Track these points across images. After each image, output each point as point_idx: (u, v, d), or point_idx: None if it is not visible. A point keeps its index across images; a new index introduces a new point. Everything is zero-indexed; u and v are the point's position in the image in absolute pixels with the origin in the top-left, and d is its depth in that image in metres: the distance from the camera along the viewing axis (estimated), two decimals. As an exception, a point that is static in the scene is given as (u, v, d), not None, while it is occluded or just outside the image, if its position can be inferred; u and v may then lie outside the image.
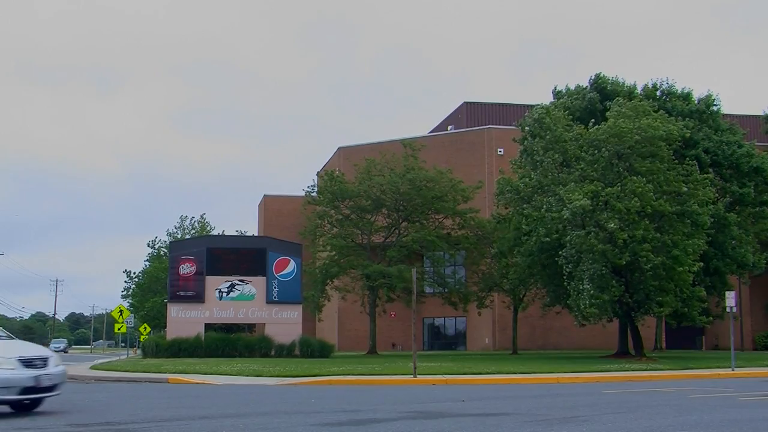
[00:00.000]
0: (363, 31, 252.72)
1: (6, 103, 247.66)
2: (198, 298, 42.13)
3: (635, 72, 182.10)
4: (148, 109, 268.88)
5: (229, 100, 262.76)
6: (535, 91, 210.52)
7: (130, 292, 78.91)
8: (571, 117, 38.36)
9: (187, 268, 42.59)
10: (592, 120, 36.56)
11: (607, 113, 35.23)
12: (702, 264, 34.88)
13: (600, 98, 42.57)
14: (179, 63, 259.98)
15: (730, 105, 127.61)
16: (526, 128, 38.48)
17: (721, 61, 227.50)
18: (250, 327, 50.60)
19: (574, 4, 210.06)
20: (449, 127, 69.14)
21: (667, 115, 36.93)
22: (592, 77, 44.71)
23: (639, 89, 44.58)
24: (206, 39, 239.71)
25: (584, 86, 45.05)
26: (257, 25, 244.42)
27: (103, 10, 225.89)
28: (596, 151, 33.92)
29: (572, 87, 45.40)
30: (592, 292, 31.67)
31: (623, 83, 44.30)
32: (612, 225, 31.31)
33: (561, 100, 44.13)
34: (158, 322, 66.77)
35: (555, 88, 46.27)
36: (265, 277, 42.61)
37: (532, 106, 39.93)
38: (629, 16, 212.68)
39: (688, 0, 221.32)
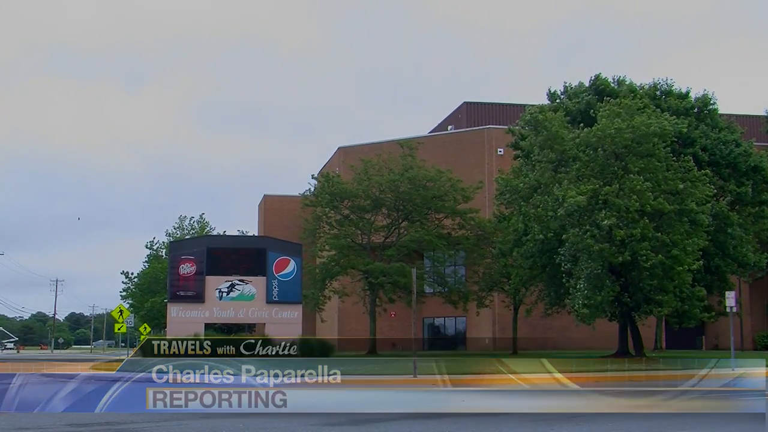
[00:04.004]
0: (363, 31, 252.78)
1: (29, 99, 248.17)
2: (198, 298, 42.12)
3: (637, 73, 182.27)
4: (149, 109, 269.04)
5: (229, 100, 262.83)
6: (535, 91, 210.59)
7: (129, 293, 78.96)
8: (568, 118, 38.41)
9: (187, 268, 42.61)
10: (581, 124, 36.61)
11: (599, 114, 35.24)
12: (702, 263, 34.89)
13: (598, 100, 42.53)
14: (181, 63, 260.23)
15: (731, 105, 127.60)
16: (516, 129, 38.96)
17: (721, 61, 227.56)
18: (250, 327, 50.65)
19: (575, 4, 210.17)
20: (449, 127, 69.13)
21: (661, 112, 36.92)
22: (592, 78, 44.67)
23: (639, 89, 44.57)
24: (206, 39, 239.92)
25: (583, 86, 44.97)
26: (258, 25, 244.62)
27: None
28: (592, 152, 33.96)
29: (567, 88, 45.40)
30: (586, 292, 31.67)
31: (624, 82, 44.19)
32: (607, 222, 31.30)
33: (557, 101, 44.40)
34: (158, 322, 66.75)
35: (549, 90, 46.37)
36: (265, 277, 42.59)
37: (531, 106, 40.10)
38: (631, 15, 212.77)
39: (690, 1, 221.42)
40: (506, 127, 48.11)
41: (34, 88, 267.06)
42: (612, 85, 43.97)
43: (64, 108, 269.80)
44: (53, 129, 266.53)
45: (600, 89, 43.49)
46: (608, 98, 37.95)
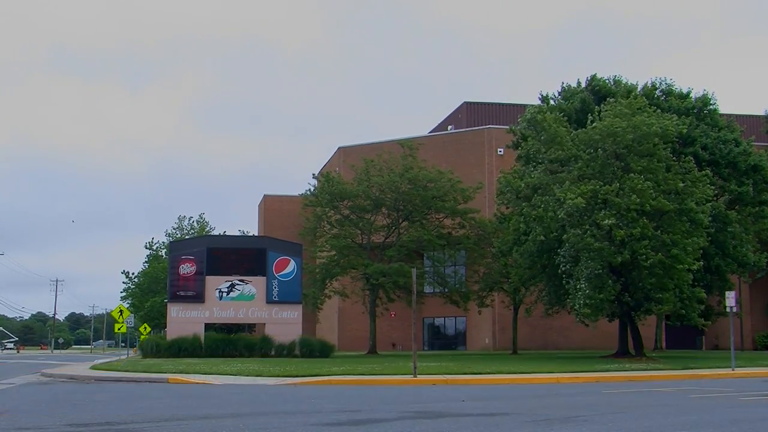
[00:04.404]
0: (363, 31, 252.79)
1: (29, 99, 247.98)
2: (198, 298, 42.15)
3: (637, 73, 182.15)
4: (149, 109, 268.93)
5: (229, 100, 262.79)
6: (535, 91, 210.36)
7: (129, 293, 78.90)
8: (566, 119, 38.45)
9: (187, 268, 42.60)
10: (590, 118, 36.58)
11: (602, 113, 35.26)
12: (702, 262, 34.88)
13: (595, 100, 42.65)
14: (182, 63, 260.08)
15: (731, 105, 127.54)
16: (518, 129, 39.05)
17: (721, 61, 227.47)
18: (251, 327, 50.61)
19: (575, 5, 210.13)
20: (449, 127, 69.15)
21: (662, 112, 36.92)
22: (588, 78, 44.82)
23: (639, 90, 44.62)
24: (207, 40, 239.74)
25: (576, 87, 45.10)
26: (259, 26, 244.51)
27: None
28: (592, 151, 33.97)
29: (564, 88, 45.48)
30: (587, 291, 31.66)
31: (621, 82, 44.24)
32: (607, 222, 31.31)
33: (550, 103, 44.52)
34: (158, 322, 66.73)
35: (541, 93, 46.52)
36: (265, 277, 42.63)
37: (532, 107, 40.15)
38: (631, 16, 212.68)
39: (690, 1, 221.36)
40: (506, 127, 48.23)
41: (35, 87, 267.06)
42: (608, 85, 44.04)
43: (64, 108, 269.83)
44: (53, 129, 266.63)
45: (596, 89, 43.63)
46: (609, 98, 38.02)
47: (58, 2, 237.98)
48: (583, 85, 45.09)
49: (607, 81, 44.37)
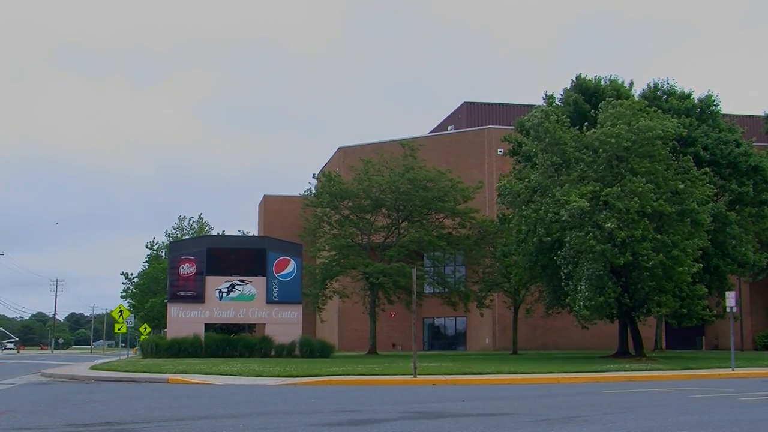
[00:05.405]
0: (363, 32, 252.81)
1: (29, 99, 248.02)
2: (198, 298, 42.14)
3: (636, 73, 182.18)
4: (151, 109, 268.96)
5: (230, 101, 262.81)
6: (534, 91, 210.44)
7: (129, 293, 78.95)
8: (567, 119, 38.47)
9: (187, 269, 42.59)
10: (586, 123, 36.56)
11: (599, 117, 35.21)
12: (702, 263, 34.87)
13: (585, 99, 42.65)
14: (183, 64, 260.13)
15: (731, 105, 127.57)
16: (514, 136, 39.17)
17: (721, 61, 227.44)
18: (251, 327, 50.60)
19: (575, 5, 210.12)
20: (449, 127, 69.17)
21: (662, 113, 36.92)
22: (573, 79, 44.73)
23: (636, 91, 44.55)
24: (208, 40, 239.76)
25: (570, 90, 45.11)
26: (259, 27, 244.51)
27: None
28: (592, 153, 33.97)
29: (563, 93, 45.49)
30: (587, 293, 31.65)
31: (610, 80, 44.19)
32: (609, 224, 31.31)
33: (556, 103, 44.53)
34: (158, 322, 66.73)
35: (546, 93, 46.57)
36: (265, 277, 42.63)
37: (531, 106, 40.13)
38: (631, 16, 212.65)
39: (689, 1, 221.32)
40: (506, 127, 48.26)
41: (37, 86, 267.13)
42: (593, 83, 43.95)
43: (65, 108, 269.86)
44: (54, 129, 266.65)
45: (583, 88, 43.62)
46: (607, 98, 38.00)
47: (63, 2, 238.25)
48: (571, 87, 45.04)
49: (591, 80, 44.26)
